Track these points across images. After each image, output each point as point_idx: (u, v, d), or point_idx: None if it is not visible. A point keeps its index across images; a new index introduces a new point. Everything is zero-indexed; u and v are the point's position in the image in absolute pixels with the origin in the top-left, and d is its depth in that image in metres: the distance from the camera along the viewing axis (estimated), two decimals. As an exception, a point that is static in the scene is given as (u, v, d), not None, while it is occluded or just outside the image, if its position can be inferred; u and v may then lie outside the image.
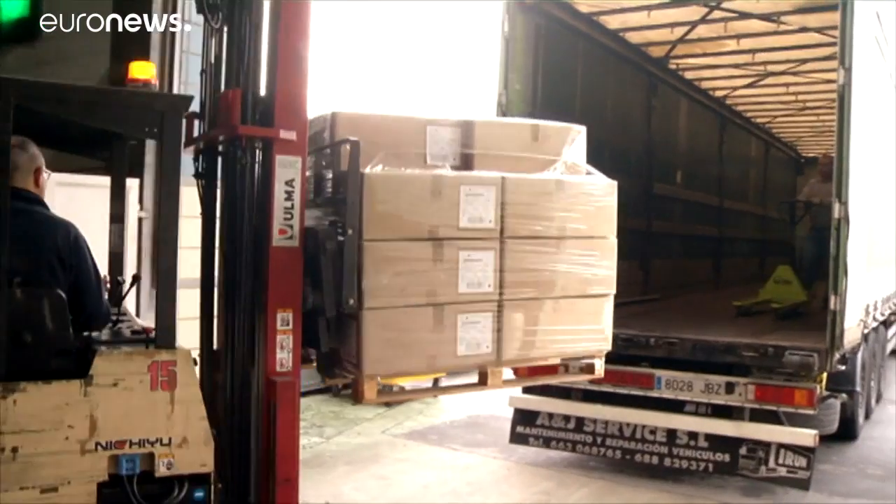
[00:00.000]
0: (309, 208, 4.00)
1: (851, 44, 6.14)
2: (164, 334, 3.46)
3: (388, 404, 9.46)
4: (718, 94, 12.19)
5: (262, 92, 3.91)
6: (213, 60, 4.22)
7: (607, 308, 4.78)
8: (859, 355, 7.85)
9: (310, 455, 7.35)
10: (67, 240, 3.53)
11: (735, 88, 11.89)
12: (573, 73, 8.84)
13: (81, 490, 3.18)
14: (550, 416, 7.11)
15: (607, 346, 4.82)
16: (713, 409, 6.54)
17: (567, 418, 7.04)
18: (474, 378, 4.39)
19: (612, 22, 9.09)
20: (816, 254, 9.12)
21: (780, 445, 6.18)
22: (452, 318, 4.27)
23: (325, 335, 3.97)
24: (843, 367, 6.68)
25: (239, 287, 3.77)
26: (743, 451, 6.39)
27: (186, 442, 3.38)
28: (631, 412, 6.76)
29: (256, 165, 3.82)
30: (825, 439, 6.64)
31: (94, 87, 3.86)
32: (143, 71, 3.94)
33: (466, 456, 7.60)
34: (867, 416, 9.18)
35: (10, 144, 3.32)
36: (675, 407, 6.64)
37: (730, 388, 6.36)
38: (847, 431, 7.99)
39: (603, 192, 4.77)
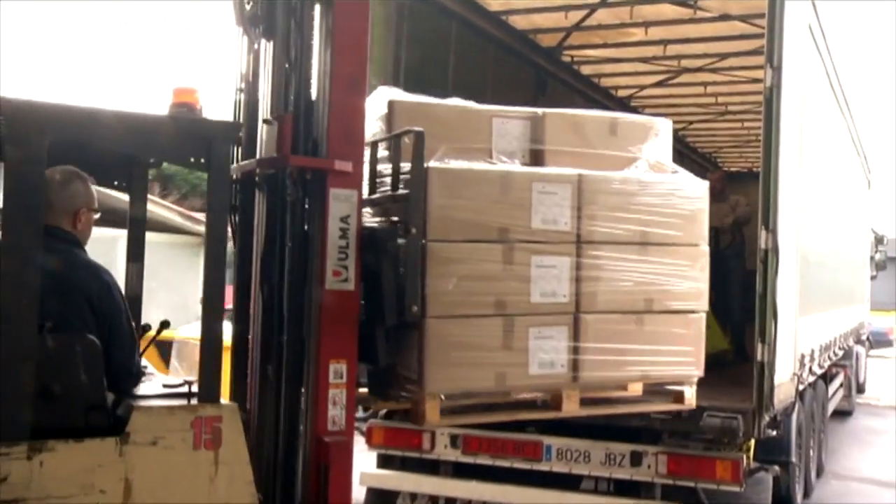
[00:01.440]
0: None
1: (781, 37, 6.49)
2: (208, 386, 3.76)
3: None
4: (622, 93, 12.64)
5: (313, 118, 4.32)
6: (250, 79, 4.71)
7: (699, 327, 5.37)
8: (794, 417, 8.26)
9: None
10: (101, 286, 3.86)
11: (642, 87, 12.32)
12: (444, 63, 8.99)
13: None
14: (413, 496, 7.19)
15: (699, 371, 5.40)
16: (616, 485, 6.72)
17: (434, 500, 7.13)
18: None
19: (494, 3, 9.34)
20: (743, 292, 9.44)
21: (701, 532, 6.43)
22: (524, 331, 4.77)
23: (384, 347, 4.40)
24: (775, 433, 7.01)
25: (284, 335, 4.10)
26: (655, 538, 6.63)
27: (230, 509, 3.67)
28: (514, 490, 6.86)
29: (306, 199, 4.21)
30: (755, 523, 6.94)
31: (139, 114, 4.08)
32: (186, 96, 4.18)
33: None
34: (806, 494, 9.65)
35: (49, 178, 3.70)
36: (570, 483, 6.80)
37: (636, 458, 6.57)
38: (782, 512, 8.39)
39: (693, 193, 5.31)
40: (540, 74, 10.48)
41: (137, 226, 4.87)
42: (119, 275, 9.74)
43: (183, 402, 3.75)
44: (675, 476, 6.47)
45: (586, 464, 6.68)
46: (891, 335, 27.70)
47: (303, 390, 4.15)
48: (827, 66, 9.36)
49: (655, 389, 5.51)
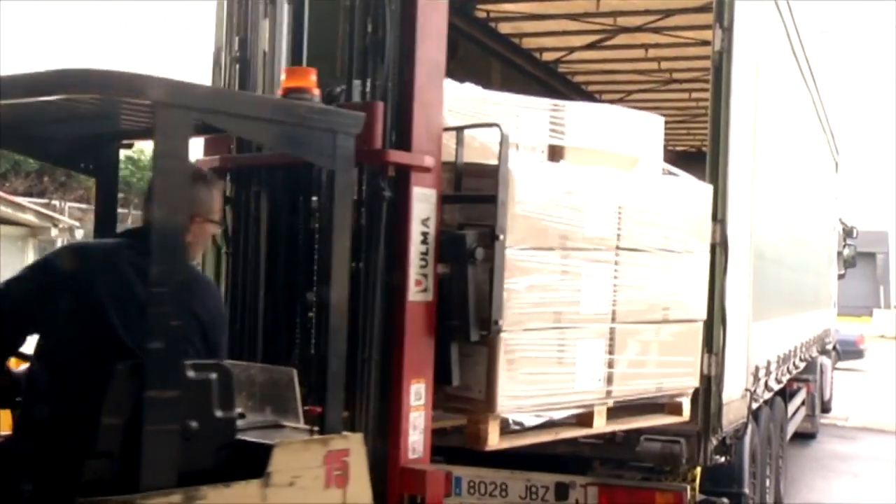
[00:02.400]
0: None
1: (732, -10, 6.62)
2: (333, 414, 3.97)
3: None
4: (547, 56, 12.57)
5: (401, 107, 4.56)
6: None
7: (698, 336, 6.19)
8: (747, 441, 8.42)
9: None
10: (215, 308, 3.99)
11: (571, 50, 12.25)
12: (333, 17, 8.96)
13: None
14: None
15: (696, 382, 6.19)
16: None
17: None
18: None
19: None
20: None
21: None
22: (573, 343, 5.33)
23: (458, 366, 4.70)
24: (725, 459, 7.17)
25: (361, 353, 4.32)
26: (584, 584, 6.72)
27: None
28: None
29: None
30: (704, 566, 7.09)
31: (278, 100, 4.36)
32: (301, 78, 4.35)
33: None
34: (761, 531, 9.87)
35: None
36: None
37: (562, 491, 6.58)
38: (731, 557, 8.57)
39: (700, 197, 6.12)
40: (450, 33, 10.41)
41: (108, 209, 4.77)
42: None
43: (304, 435, 3.93)
44: (608, 512, 6.57)
45: (503, 498, 6.71)
46: (861, 344, 28.17)
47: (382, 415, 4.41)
48: (788, 29, 9.53)
49: (649, 402, 6.10)
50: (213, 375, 3.60)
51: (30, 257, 10.91)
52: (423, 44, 4.66)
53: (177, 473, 3.38)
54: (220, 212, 4.27)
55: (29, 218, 10.81)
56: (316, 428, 4.01)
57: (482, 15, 10.80)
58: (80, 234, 12.22)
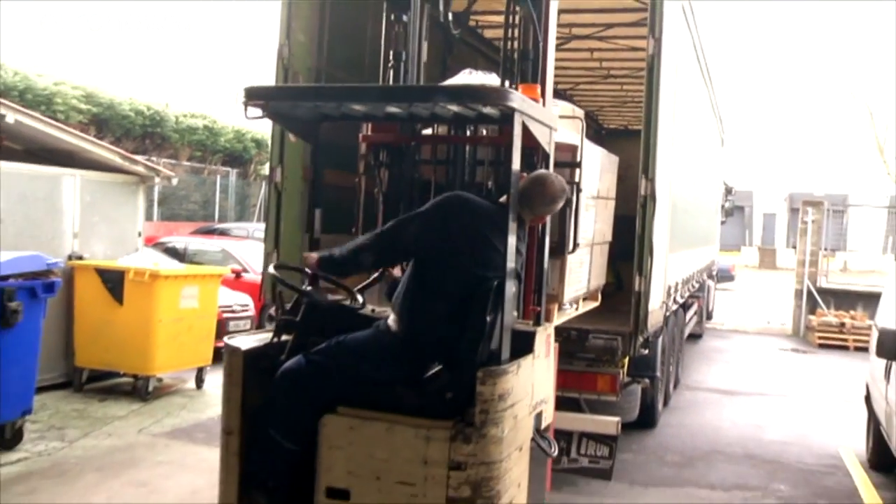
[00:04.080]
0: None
1: (662, 12, 6.59)
2: (541, 313, 4.56)
3: (144, 399, 9.20)
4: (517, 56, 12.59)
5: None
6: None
7: (606, 253, 7.54)
8: (661, 339, 8.52)
9: (47, 463, 7.01)
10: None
11: None
12: (363, 26, 8.87)
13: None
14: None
15: (604, 280, 7.51)
16: None
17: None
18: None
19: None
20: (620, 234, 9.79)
21: (583, 434, 6.55)
22: (586, 258, 6.57)
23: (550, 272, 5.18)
24: (646, 352, 7.23)
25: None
26: (543, 441, 6.78)
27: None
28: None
29: None
30: (625, 427, 7.14)
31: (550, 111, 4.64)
32: (531, 91, 4.48)
33: (239, 457, 7.53)
34: (666, 403, 10.01)
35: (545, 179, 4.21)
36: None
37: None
38: (647, 418, 8.69)
39: (609, 161, 7.54)
40: (447, 37, 10.36)
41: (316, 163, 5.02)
42: (63, 209, 9.40)
43: (529, 327, 4.34)
44: (563, 388, 6.54)
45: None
46: (733, 271, 28.87)
47: None
48: (695, 42, 9.54)
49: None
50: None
51: (141, 198, 10.75)
52: (548, 34, 4.85)
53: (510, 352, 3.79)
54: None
55: (139, 169, 10.62)
56: (530, 322, 4.37)
57: (473, 23, 10.73)
58: (174, 181, 12.03)
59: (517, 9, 5.04)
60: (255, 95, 4.13)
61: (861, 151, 40.94)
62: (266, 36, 9.32)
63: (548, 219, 4.52)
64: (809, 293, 18.22)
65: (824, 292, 18.34)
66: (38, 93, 18.03)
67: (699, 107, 11.04)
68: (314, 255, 4.03)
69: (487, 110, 4.01)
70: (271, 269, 4.20)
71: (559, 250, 5.49)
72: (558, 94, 14.69)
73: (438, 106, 4.00)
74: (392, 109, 4.18)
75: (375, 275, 4.47)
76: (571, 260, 5.81)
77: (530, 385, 3.99)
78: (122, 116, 20.57)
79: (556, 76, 13.72)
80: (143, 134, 21.42)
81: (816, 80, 42.51)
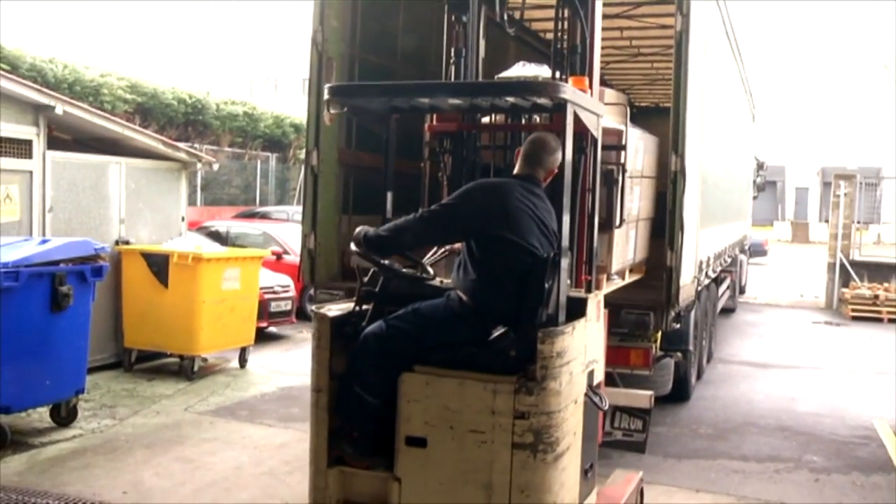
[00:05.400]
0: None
1: (689, -13, 6.47)
2: (592, 281, 4.91)
3: (189, 379, 9.31)
4: (549, 36, 12.45)
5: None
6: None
7: (649, 229, 7.86)
8: (693, 313, 8.45)
9: (100, 440, 7.13)
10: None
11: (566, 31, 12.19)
12: (394, 12, 8.85)
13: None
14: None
15: (646, 253, 7.82)
16: None
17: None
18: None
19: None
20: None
21: (616, 408, 6.50)
22: (632, 232, 7.01)
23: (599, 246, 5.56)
24: (678, 326, 7.18)
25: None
26: (579, 415, 6.77)
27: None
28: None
29: None
30: (658, 401, 7.11)
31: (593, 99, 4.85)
32: (580, 83, 4.70)
33: (281, 432, 7.62)
34: (699, 376, 9.94)
35: (545, 141, 4.43)
36: None
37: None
38: (680, 392, 8.64)
39: (653, 144, 7.86)
40: (481, 22, 10.31)
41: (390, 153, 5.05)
42: (109, 196, 9.55)
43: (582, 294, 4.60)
44: (596, 363, 6.56)
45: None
46: (766, 246, 28.64)
47: None
48: (724, 18, 9.41)
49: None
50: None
51: (184, 183, 10.85)
52: (594, 30, 5.16)
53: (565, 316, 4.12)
54: None
55: (181, 156, 10.72)
56: (582, 290, 4.71)
57: (525, 21, 10.66)
58: (216, 167, 12.13)
59: (566, 7, 5.40)
60: (338, 93, 4.54)
61: (894, 123, 40.22)
62: (300, 23, 9.34)
63: (596, 196, 4.98)
64: (842, 266, 17.99)
65: (857, 265, 18.10)
66: (86, 84, 18.21)
67: (729, 82, 10.90)
68: (360, 233, 4.28)
69: (542, 101, 4.34)
70: (352, 245, 4.45)
71: (607, 225, 5.93)
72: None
73: (499, 98, 4.41)
74: (456, 102, 4.53)
75: (443, 250, 4.81)
76: (618, 234, 6.20)
77: (583, 345, 4.28)
78: (165, 105, 20.72)
79: (586, 56, 13.35)
80: (185, 122, 21.57)
81: (848, 52, 41.80)
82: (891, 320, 15.81)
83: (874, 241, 30.56)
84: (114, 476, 6.31)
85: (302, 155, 23.64)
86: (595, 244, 4.93)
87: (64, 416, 7.40)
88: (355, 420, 4.29)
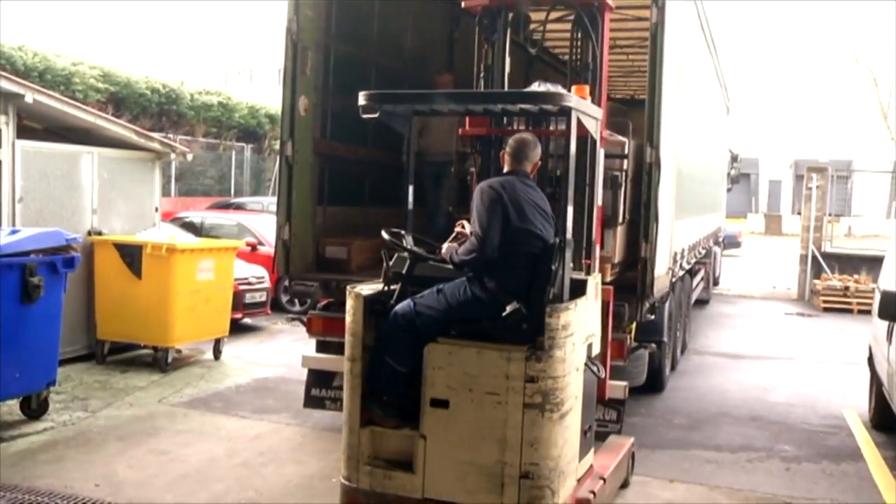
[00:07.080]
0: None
1: (665, -20, 6.47)
2: (594, 266, 5.55)
3: (163, 370, 9.24)
4: (564, 55, 12.41)
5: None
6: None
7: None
8: (667, 305, 8.48)
9: (72, 433, 7.06)
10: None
11: (543, 24, 12.14)
12: (369, 2, 8.80)
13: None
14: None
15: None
16: None
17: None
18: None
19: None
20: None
21: (591, 399, 6.56)
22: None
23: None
24: (653, 317, 7.19)
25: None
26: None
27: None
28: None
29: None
30: (633, 391, 7.12)
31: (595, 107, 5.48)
32: (581, 91, 5.24)
33: (256, 424, 7.58)
34: (673, 367, 9.99)
35: (527, 140, 5.13)
36: None
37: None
38: (654, 383, 8.67)
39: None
40: (454, 10, 10.24)
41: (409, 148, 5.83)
42: (82, 186, 9.42)
43: (583, 276, 5.28)
44: (571, 354, 6.58)
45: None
46: (739, 238, 28.83)
47: None
48: (699, 11, 9.40)
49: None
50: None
51: (157, 174, 10.75)
52: (604, 48, 6.00)
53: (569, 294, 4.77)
54: None
55: (155, 146, 10.61)
56: (581, 272, 5.34)
57: (544, 41, 10.73)
58: (190, 157, 12.03)
59: (579, 30, 6.25)
60: (373, 99, 5.07)
61: (865, 117, 40.60)
62: (275, 13, 9.26)
63: (596, 191, 5.71)
64: (814, 258, 18.13)
65: (829, 257, 18.25)
66: (58, 73, 18.00)
67: (704, 75, 10.92)
68: (444, 252, 5.09)
69: (549, 108, 5.03)
70: (384, 234, 5.19)
71: (612, 222, 6.69)
72: (558, 62, 14.56)
73: (512, 105, 5.16)
74: (475, 108, 5.41)
75: (453, 235, 5.32)
76: (621, 230, 6.89)
77: (584, 320, 4.89)
78: (139, 95, 20.53)
79: (561, 47, 13.70)
80: (159, 111, 21.39)
81: (820, 46, 42.12)
82: (860, 311, 15.95)
83: (845, 234, 30.83)
84: (86, 468, 6.24)
85: (277, 145, 23.50)
86: (594, 233, 5.64)
87: (35, 409, 7.31)
88: (386, 386, 4.95)
